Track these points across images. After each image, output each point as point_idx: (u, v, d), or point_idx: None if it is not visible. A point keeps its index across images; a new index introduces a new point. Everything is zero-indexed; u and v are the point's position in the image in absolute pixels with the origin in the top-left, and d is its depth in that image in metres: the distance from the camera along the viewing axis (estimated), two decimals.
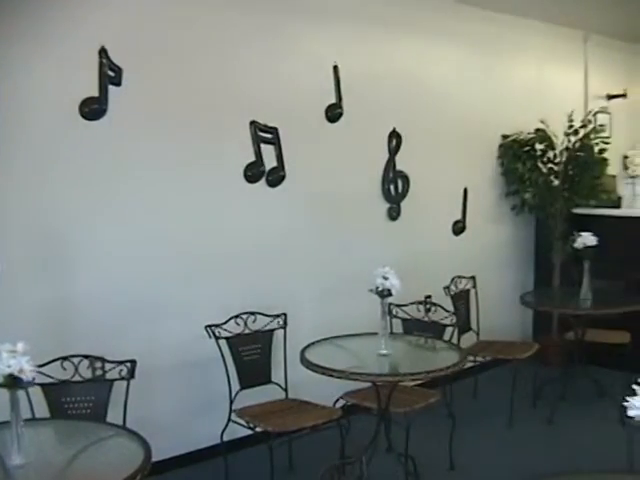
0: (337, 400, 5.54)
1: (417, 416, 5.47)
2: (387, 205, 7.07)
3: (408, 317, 6.08)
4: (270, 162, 6.11)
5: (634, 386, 2.64)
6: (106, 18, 5.12)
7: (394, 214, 7.12)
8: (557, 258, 8.21)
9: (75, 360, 4.40)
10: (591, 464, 5.16)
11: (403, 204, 7.17)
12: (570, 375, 7.08)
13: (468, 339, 6.94)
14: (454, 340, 6.01)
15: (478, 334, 7.16)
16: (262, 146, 6.04)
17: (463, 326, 6.87)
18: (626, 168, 8.49)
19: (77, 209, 5.10)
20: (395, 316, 6.09)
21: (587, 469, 3.86)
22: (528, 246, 8.70)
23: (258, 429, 5.09)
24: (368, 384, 5.20)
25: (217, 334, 5.30)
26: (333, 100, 6.54)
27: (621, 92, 9.81)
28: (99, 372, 4.44)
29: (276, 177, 6.15)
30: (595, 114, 8.75)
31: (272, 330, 5.66)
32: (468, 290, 7.21)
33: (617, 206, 8.39)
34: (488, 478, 5.60)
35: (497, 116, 8.18)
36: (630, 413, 2.57)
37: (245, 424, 5.16)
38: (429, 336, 5.71)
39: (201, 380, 5.75)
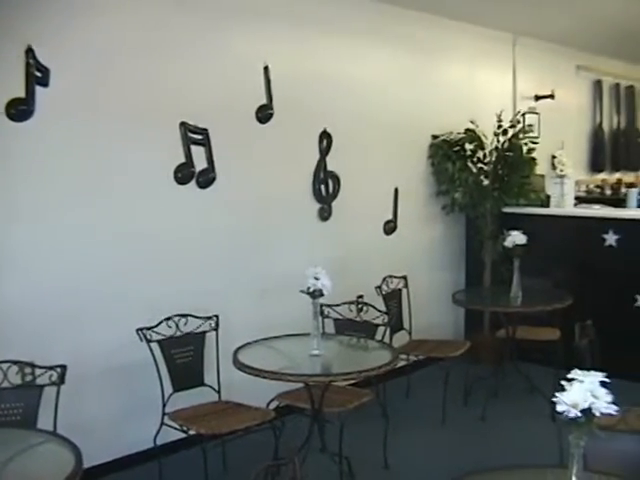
0: (270, 401, 5.53)
1: (350, 416, 5.48)
2: (318, 205, 7.07)
3: (340, 317, 6.09)
4: (200, 163, 6.07)
5: (563, 382, 2.67)
6: (33, 17, 5.04)
7: (325, 214, 7.12)
8: (488, 257, 8.29)
9: (4, 366, 4.33)
10: (523, 459, 5.19)
11: (334, 204, 7.17)
12: (501, 372, 7.16)
13: (400, 338, 6.97)
14: (386, 339, 6.05)
15: (410, 333, 7.19)
16: (192, 147, 6.00)
17: (395, 325, 6.90)
18: (554, 168, 8.59)
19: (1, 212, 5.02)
20: (327, 316, 6.09)
21: (519, 464, 3.89)
22: (459, 245, 8.77)
23: (191, 432, 5.06)
24: (301, 385, 5.21)
25: (148, 337, 5.26)
26: (264, 101, 6.52)
27: (549, 93, 9.93)
28: (29, 378, 4.37)
29: (206, 178, 6.11)
30: (523, 114, 8.85)
31: (204, 332, 5.62)
32: (400, 289, 7.24)
33: (546, 205, 8.50)
34: (422, 476, 5.63)
35: (427, 116, 8.24)
36: (559, 408, 2.59)
37: (178, 427, 5.13)
38: (361, 336, 5.73)
39: (133, 384, 5.68)
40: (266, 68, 6.50)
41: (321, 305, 5.65)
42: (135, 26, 5.62)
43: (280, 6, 6.62)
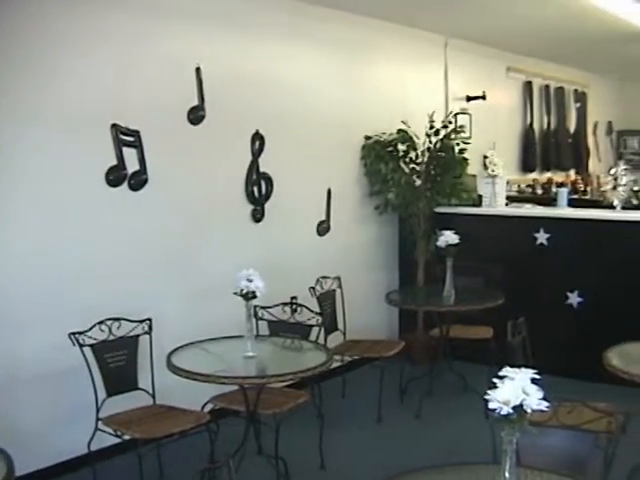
0: (205, 404, 5.50)
1: (286, 417, 5.48)
2: (251, 207, 7.04)
3: (274, 319, 6.09)
4: (132, 165, 6.01)
5: (495, 379, 2.70)
6: None
7: (258, 216, 7.10)
8: (421, 257, 8.34)
9: None
10: (457, 457, 5.25)
11: (267, 206, 7.16)
12: (436, 371, 7.21)
13: (335, 339, 6.99)
14: (321, 340, 6.05)
15: (345, 334, 7.20)
16: (124, 149, 5.94)
17: (329, 326, 6.91)
18: (486, 168, 8.68)
19: None
20: (261, 318, 6.09)
21: (453, 462, 3.93)
22: (392, 245, 8.81)
23: (126, 437, 5.01)
24: (236, 387, 5.20)
25: (81, 341, 5.19)
26: (195, 102, 6.49)
27: (480, 94, 10.03)
28: None
29: (138, 180, 6.06)
30: (455, 115, 8.91)
31: (137, 336, 5.57)
32: (334, 290, 7.25)
33: (478, 205, 8.58)
34: (358, 476, 5.65)
35: (360, 117, 8.26)
36: (491, 406, 2.61)
37: (112, 432, 5.08)
38: (295, 337, 5.73)
39: (66, 389, 5.60)
40: (198, 69, 6.46)
41: (255, 307, 5.65)
42: (64, 25, 5.54)
43: (212, 7, 6.59)
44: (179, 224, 6.42)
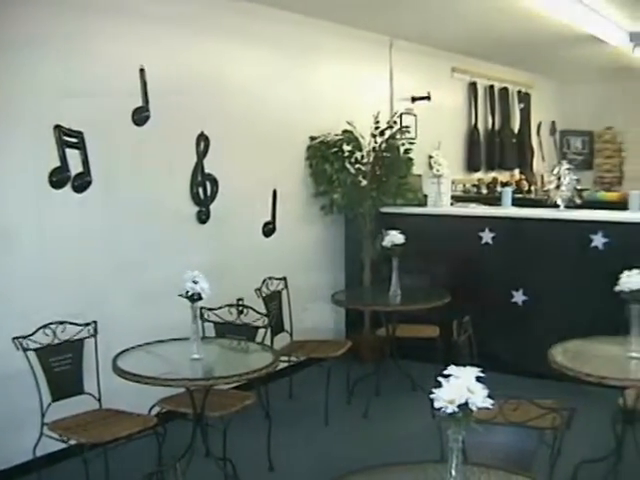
0: (152, 407, 5.46)
1: (234, 419, 5.46)
2: (196, 208, 7.01)
3: (220, 320, 6.06)
4: (76, 167, 5.95)
5: (440, 378, 2.72)
6: None
7: (203, 217, 7.06)
8: (367, 257, 8.37)
9: None
10: (405, 456, 5.26)
11: (212, 207, 7.12)
12: (383, 370, 7.23)
13: (281, 340, 6.97)
14: (267, 341, 6.04)
15: (291, 334, 7.19)
16: (67, 151, 5.88)
17: (276, 327, 6.89)
18: (431, 167, 8.72)
19: None
20: (207, 320, 6.05)
21: (401, 461, 3.94)
22: (338, 245, 8.82)
23: (72, 442, 4.96)
24: (183, 390, 5.17)
25: (25, 346, 5.12)
26: (140, 103, 6.44)
27: (425, 95, 10.08)
28: None
29: (82, 182, 5.99)
30: (400, 115, 8.95)
31: (83, 339, 5.51)
32: (280, 291, 7.24)
33: (423, 205, 8.62)
34: (307, 476, 5.65)
35: (305, 118, 8.26)
36: (436, 405, 2.63)
37: (58, 437, 5.01)
38: (242, 339, 5.72)
39: (10, 394, 5.52)
40: (142, 70, 6.41)
41: (201, 308, 5.62)
42: (6, 24, 5.47)
43: (155, 7, 6.54)
44: (124, 226, 6.36)
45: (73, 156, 5.93)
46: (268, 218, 7.85)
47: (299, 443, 6.25)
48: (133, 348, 5.25)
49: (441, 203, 8.55)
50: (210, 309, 6.02)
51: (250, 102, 7.52)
